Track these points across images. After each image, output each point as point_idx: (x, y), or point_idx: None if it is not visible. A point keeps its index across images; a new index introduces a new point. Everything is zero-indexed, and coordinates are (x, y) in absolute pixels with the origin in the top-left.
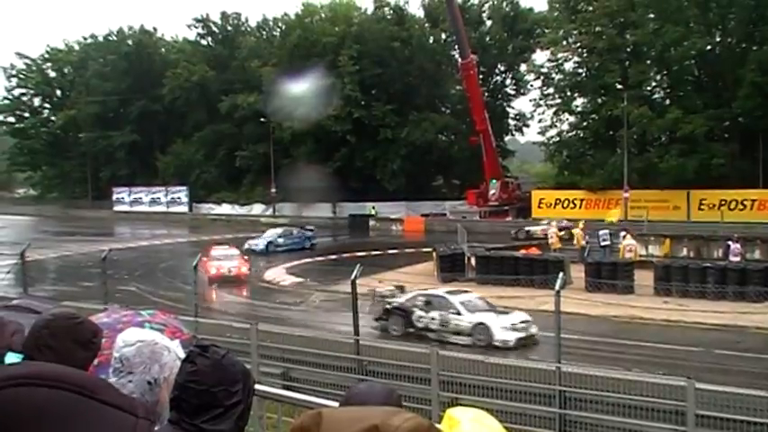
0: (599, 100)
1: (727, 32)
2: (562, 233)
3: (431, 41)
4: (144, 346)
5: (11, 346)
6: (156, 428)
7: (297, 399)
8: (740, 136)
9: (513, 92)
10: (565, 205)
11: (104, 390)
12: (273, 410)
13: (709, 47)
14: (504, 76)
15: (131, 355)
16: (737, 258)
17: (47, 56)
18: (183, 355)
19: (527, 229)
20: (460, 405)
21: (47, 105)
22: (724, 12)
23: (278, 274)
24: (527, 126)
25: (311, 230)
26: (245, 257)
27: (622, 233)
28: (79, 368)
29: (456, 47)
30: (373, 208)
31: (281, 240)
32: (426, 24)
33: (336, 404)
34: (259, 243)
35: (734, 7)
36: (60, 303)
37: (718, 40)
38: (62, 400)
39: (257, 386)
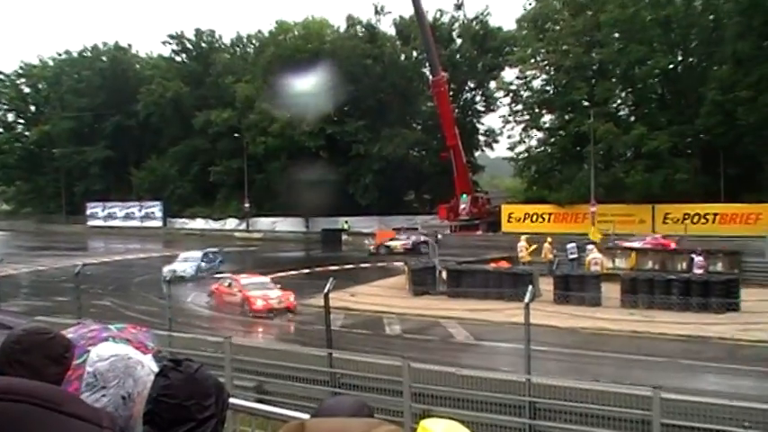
0: (566, 117)
1: (689, 52)
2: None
3: (402, 59)
4: (118, 360)
5: None
6: None
7: (270, 412)
8: (702, 152)
9: (482, 108)
10: (534, 219)
11: (70, 402)
12: (247, 423)
13: (671, 66)
14: (474, 92)
15: (105, 369)
16: (701, 271)
17: (21, 71)
18: (156, 370)
19: (387, 244)
20: (433, 416)
21: (21, 121)
22: (685, 32)
23: None
24: (497, 142)
25: (216, 252)
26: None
27: (589, 246)
28: (51, 383)
29: (427, 64)
30: (346, 222)
31: (203, 264)
32: (398, 42)
33: (308, 417)
34: (186, 268)
35: (695, 28)
36: (33, 318)
37: (680, 59)
38: (28, 414)
39: (231, 399)
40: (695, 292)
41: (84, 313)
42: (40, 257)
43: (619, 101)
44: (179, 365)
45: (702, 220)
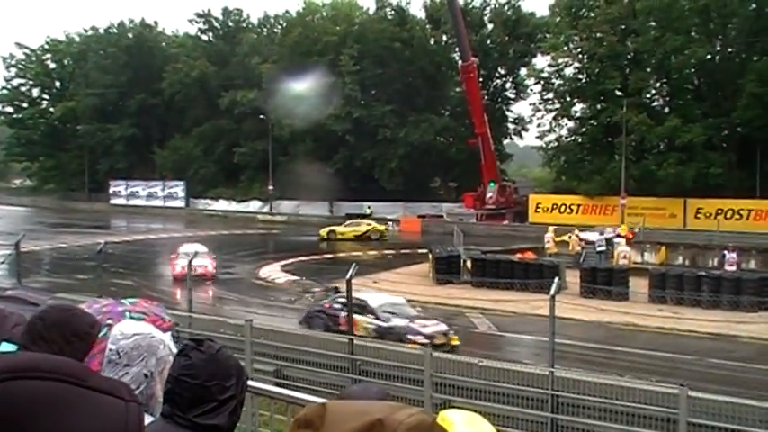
0: (598, 106)
1: (728, 42)
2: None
3: (432, 43)
4: (141, 338)
5: (12, 338)
6: (148, 422)
7: (289, 396)
8: (738, 146)
9: (512, 96)
10: (562, 210)
11: (93, 376)
12: (266, 407)
13: (709, 56)
14: (504, 79)
15: (129, 347)
16: (733, 268)
17: (47, 47)
18: (175, 349)
19: None
20: (453, 407)
21: (45, 96)
22: (725, 22)
23: (273, 271)
24: (526, 130)
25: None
26: None
27: (617, 239)
28: (76, 359)
29: (457, 49)
30: (368, 207)
31: None
32: (428, 26)
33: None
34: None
35: (735, 17)
36: (54, 295)
37: (718, 49)
38: (52, 390)
39: (250, 383)
40: (726, 290)
41: (105, 291)
42: (62, 234)
43: (653, 91)
44: (200, 345)
45: (736, 216)
